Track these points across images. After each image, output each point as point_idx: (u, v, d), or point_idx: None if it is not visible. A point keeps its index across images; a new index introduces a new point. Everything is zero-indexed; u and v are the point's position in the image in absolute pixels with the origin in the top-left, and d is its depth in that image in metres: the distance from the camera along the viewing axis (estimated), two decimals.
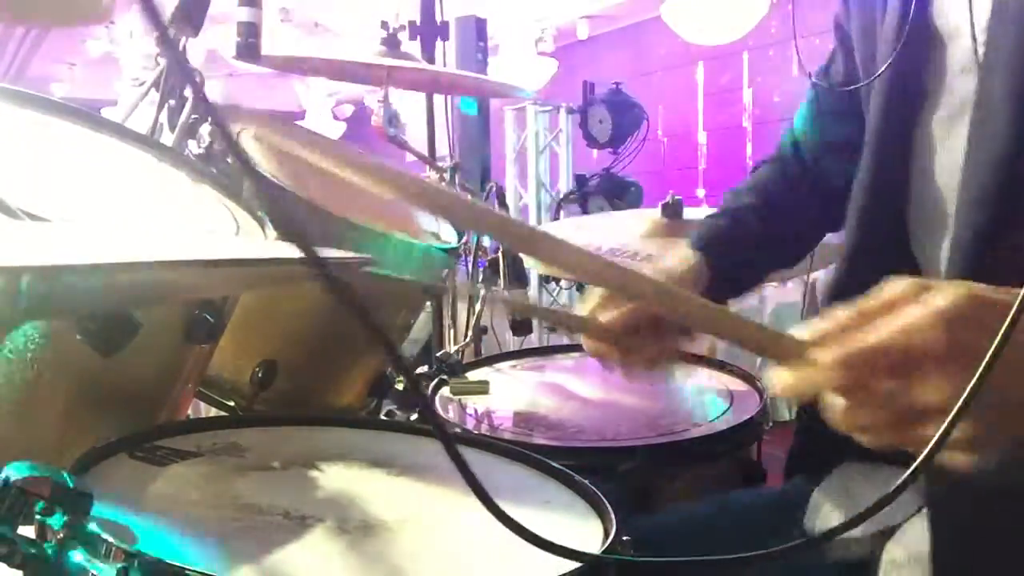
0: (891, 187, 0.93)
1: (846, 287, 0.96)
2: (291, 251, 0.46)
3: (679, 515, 1.06)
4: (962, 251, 0.80)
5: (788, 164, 1.18)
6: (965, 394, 0.52)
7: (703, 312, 0.65)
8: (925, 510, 0.85)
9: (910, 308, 0.57)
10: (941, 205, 0.87)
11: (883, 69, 0.92)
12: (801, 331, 0.60)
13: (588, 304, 0.99)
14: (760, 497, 1.09)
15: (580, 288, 4.95)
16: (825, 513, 0.94)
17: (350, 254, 0.79)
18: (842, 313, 0.60)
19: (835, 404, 0.59)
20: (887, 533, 0.87)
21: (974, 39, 0.83)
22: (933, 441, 0.55)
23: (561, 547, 0.59)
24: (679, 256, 1.11)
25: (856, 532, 0.87)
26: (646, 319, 0.95)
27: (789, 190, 1.16)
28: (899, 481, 0.56)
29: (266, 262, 0.75)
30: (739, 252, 1.13)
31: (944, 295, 0.56)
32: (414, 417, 1.31)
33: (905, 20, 0.89)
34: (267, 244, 0.94)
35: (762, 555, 0.61)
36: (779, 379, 0.60)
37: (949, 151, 0.86)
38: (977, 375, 0.52)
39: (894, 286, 0.60)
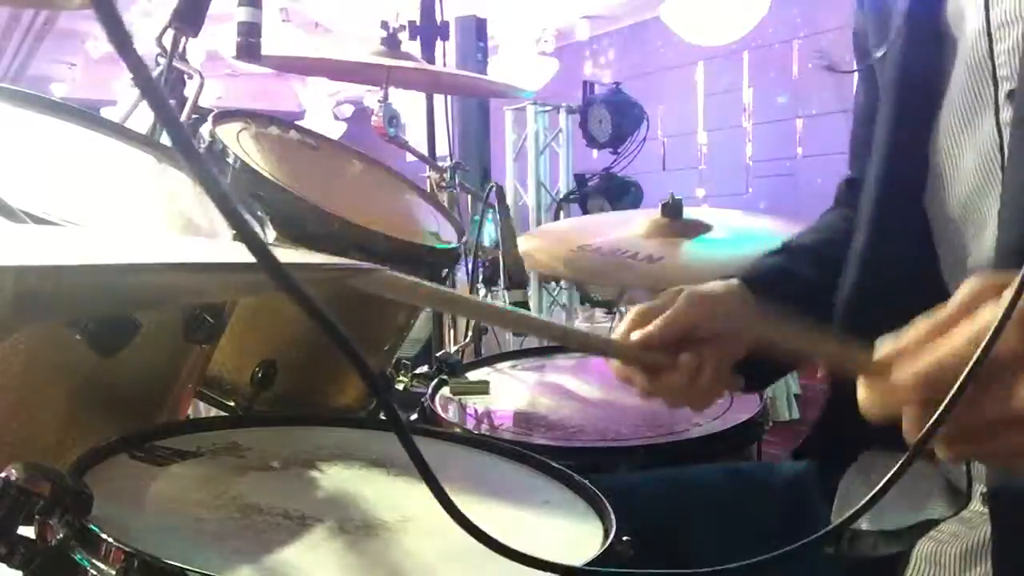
0: (908, 185, 0.92)
1: (864, 288, 0.95)
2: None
3: (688, 483, 1.04)
4: (1011, 250, 0.78)
5: (843, 205, 1.11)
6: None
7: (766, 325, 0.63)
8: (984, 505, 0.85)
9: (987, 310, 0.55)
10: (974, 200, 0.87)
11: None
12: (881, 345, 0.59)
13: (622, 327, 0.90)
14: (768, 475, 1.08)
15: (580, 288, 4.95)
16: (852, 506, 0.93)
17: (351, 261, 0.79)
18: (921, 324, 0.58)
19: (912, 419, 0.58)
20: (922, 529, 0.86)
21: (989, 36, 0.83)
22: (928, 425, 0.55)
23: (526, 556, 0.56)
24: (722, 283, 0.99)
25: (894, 526, 0.87)
26: (679, 335, 0.86)
27: (846, 234, 1.04)
28: (892, 470, 0.56)
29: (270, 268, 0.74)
30: (788, 290, 1.00)
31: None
32: (414, 417, 1.31)
33: (911, 17, 0.89)
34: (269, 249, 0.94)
35: (774, 556, 0.60)
36: (860, 397, 0.59)
37: (975, 149, 0.86)
38: None
39: (970, 286, 0.58)
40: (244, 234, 0.42)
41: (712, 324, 0.88)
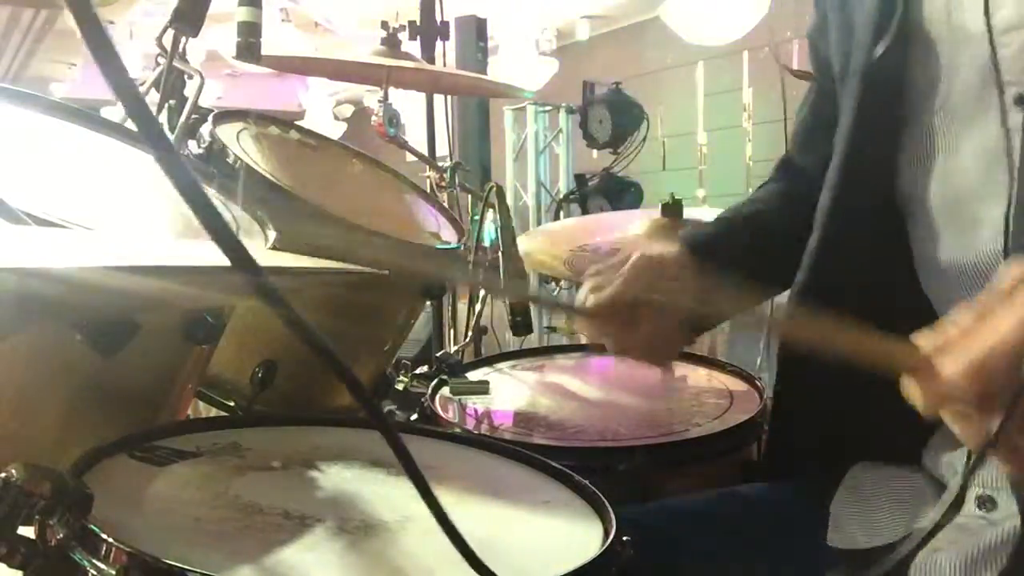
0: (868, 185, 0.94)
1: (816, 283, 0.97)
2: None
3: (673, 510, 1.05)
4: None
5: (783, 183, 1.17)
6: None
7: (801, 325, 0.63)
8: (980, 509, 0.84)
9: None
10: (967, 202, 0.87)
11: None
12: (922, 339, 0.59)
13: (582, 291, 0.98)
14: (752, 495, 1.08)
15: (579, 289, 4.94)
16: (847, 530, 0.93)
17: (354, 265, 0.79)
18: (963, 314, 0.58)
19: (959, 414, 0.57)
20: (922, 537, 0.86)
21: (991, 41, 0.83)
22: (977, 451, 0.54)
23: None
24: (668, 247, 1.07)
25: (889, 538, 0.86)
26: (635, 298, 0.94)
27: (784, 207, 1.12)
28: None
29: (271, 271, 0.74)
30: (723, 254, 1.07)
31: None
32: (414, 417, 1.31)
33: (884, 18, 0.89)
34: (269, 253, 0.94)
35: None
36: (911, 396, 0.59)
37: (974, 152, 0.86)
38: None
39: (1008, 274, 0.58)
40: (224, 241, 0.42)
41: (662, 284, 0.98)
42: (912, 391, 0.59)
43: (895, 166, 0.93)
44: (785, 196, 1.14)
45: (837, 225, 0.96)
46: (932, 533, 0.59)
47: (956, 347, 0.57)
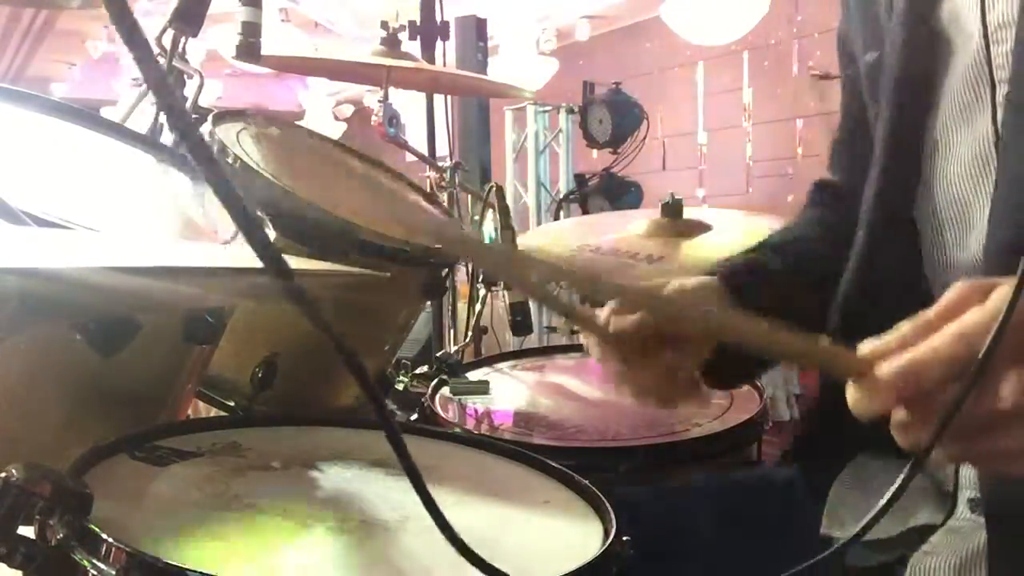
0: (903, 191, 0.93)
1: (858, 294, 0.95)
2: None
3: (676, 492, 1.04)
4: (1000, 249, 0.79)
5: (818, 209, 1.12)
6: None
7: (744, 326, 0.63)
8: (972, 512, 0.84)
9: (972, 313, 0.56)
10: (965, 199, 0.87)
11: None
12: (864, 346, 0.60)
13: (605, 310, 0.90)
14: (761, 481, 1.08)
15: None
16: (841, 517, 0.93)
17: (359, 269, 0.79)
18: (906, 326, 0.59)
19: (899, 420, 0.58)
20: (911, 538, 0.85)
21: (986, 39, 0.83)
22: (934, 428, 0.55)
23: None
24: (702, 279, 0.99)
25: (881, 535, 0.87)
26: (655, 334, 0.87)
27: (821, 235, 1.07)
28: (902, 475, 0.56)
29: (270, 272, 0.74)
30: (758, 281, 0.99)
31: (1004, 295, 0.54)
32: (414, 417, 1.31)
33: (913, 21, 0.89)
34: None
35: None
36: (848, 398, 0.60)
37: (970, 149, 0.86)
38: None
39: (955, 290, 0.59)
40: (255, 241, 0.42)
41: (689, 318, 0.87)
42: (851, 395, 0.60)
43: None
44: (822, 224, 1.09)
45: (880, 231, 0.94)
46: (870, 523, 0.60)
47: (892, 354, 0.58)
